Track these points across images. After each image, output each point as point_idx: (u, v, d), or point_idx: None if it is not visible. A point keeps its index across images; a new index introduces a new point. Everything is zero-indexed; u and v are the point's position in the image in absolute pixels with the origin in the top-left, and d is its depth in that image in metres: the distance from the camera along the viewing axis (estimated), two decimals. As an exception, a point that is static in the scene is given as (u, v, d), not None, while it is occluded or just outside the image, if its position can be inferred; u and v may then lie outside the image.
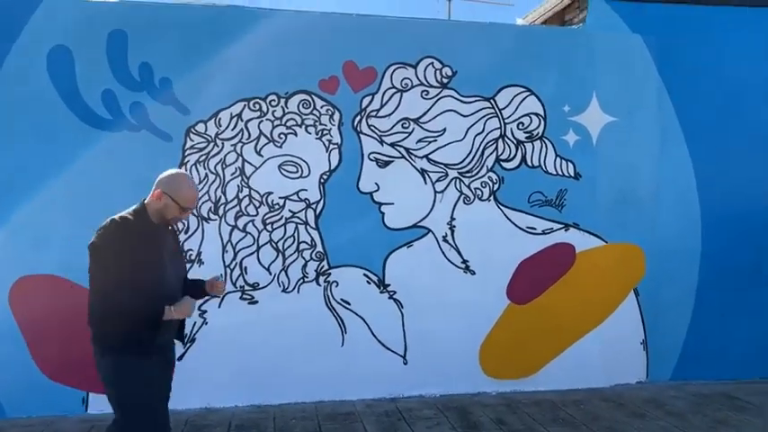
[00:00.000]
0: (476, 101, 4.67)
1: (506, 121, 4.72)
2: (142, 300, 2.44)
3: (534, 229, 4.77)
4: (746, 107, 5.04)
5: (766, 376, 5.03)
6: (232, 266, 4.41)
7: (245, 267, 4.42)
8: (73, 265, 4.17)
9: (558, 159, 4.79)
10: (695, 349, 4.98)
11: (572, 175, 4.81)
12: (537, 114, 4.75)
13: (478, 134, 4.68)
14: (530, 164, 4.75)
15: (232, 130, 4.41)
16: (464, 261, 4.69)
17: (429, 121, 4.61)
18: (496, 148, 4.72)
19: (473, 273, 4.69)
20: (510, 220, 4.74)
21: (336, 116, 4.51)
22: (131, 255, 2.45)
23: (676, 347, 4.99)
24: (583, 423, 4.10)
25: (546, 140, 4.77)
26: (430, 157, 4.63)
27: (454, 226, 4.67)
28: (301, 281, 4.48)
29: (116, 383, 2.53)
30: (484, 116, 4.69)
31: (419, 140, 4.60)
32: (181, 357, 4.33)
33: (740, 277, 5.02)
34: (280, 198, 4.45)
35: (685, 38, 4.94)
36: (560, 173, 4.79)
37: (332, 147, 4.52)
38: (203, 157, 4.38)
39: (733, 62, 5.01)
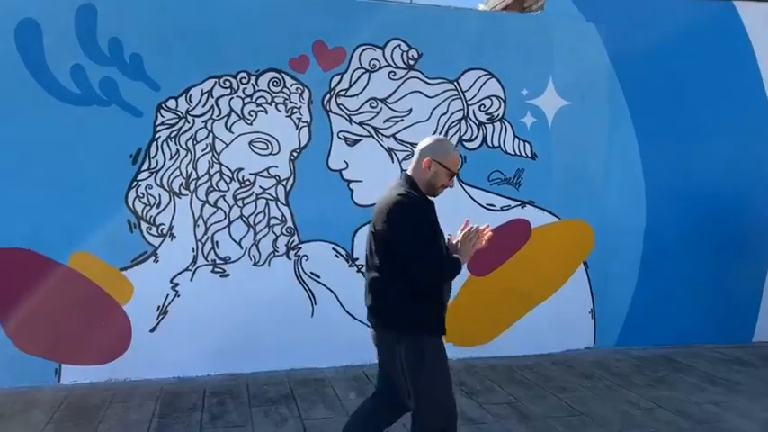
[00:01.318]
0: (440, 83, 4.88)
1: (469, 102, 4.96)
2: (443, 273, 2.40)
3: (493, 206, 5.05)
4: (689, 92, 5.40)
5: (701, 341, 5.49)
6: (203, 241, 4.52)
7: (217, 242, 4.54)
8: (42, 238, 4.23)
9: (517, 140, 5.07)
10: (638, 317, 5.39)
11: (529, 155, 5.10)
12: (497, 97, 5.00)
13: (443, 115, 4.90)
14: (490, 144, 5.02)
15: (203, 106, 4.48)
16: (428, 236, 4.92)
17: (396, 101, 4.80)
18: (459, 129, 4.95)
19: (436, 247, 4.94)
20: (471, 198, 5.00)
21: (306, 95, 4.64)
22: (433, 230, 2.38)
23: (621, 316, 5.38)
24: (536, 384, 4.43)
25: (505, 122, 5.03)
26: (397, 136, 4.82)
27: (419, 202, 4.89)
28: (272, 255, 4.63)
29: (423, 366, 2.38)
30: (448, 98, 4.91)
31: (386, 120, 4.79)
32: (153, 329, 4.45)
33: (680, 251, 5.43)
34: (250, 174, 4.57)
35: (635, 27, 5.26)
36: (518, 153, 5.08)
37: (302, 125, 4.65)
38: (174, 133, 4.44)
39: (678, 50, 5.35)
